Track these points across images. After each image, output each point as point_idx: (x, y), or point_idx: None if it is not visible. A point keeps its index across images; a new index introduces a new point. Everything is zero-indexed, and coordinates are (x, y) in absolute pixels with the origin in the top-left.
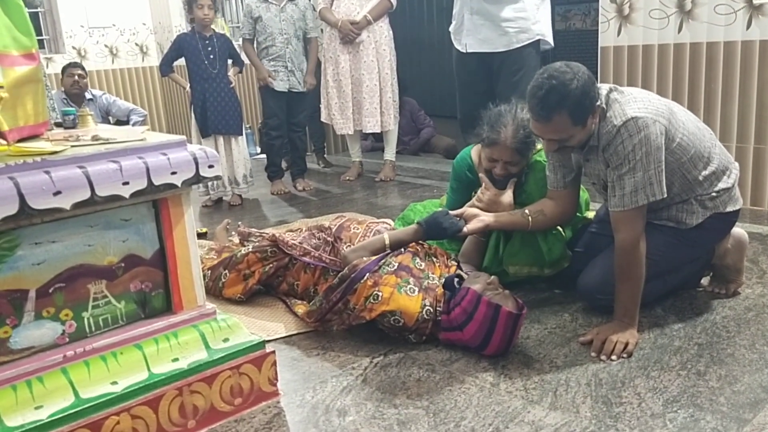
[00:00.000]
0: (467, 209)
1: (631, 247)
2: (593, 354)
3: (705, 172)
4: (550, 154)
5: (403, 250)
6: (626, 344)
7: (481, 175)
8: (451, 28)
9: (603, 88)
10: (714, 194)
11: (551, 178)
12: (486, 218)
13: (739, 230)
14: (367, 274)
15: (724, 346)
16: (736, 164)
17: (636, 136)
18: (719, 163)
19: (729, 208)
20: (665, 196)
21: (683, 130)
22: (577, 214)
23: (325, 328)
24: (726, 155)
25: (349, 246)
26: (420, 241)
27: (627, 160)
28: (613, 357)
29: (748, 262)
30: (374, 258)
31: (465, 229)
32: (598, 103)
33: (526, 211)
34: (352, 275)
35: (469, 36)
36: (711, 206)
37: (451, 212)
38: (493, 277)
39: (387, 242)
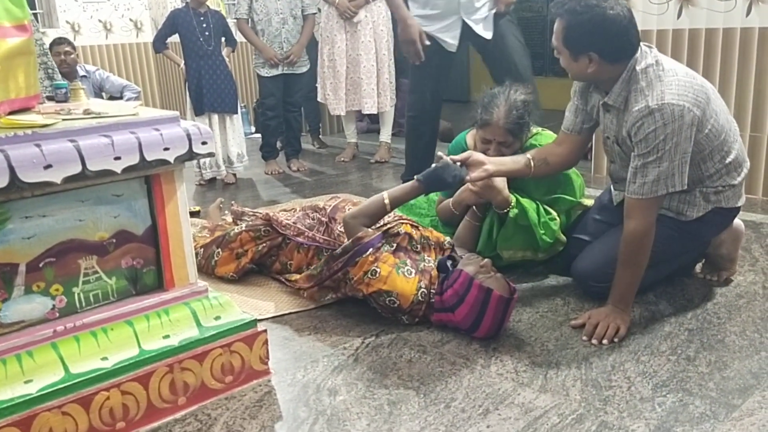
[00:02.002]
0: (473, 154)
1: (642, 236)
2: (584, 338)
3: (718, 165)
4: (575, 94)
5: (400, 231)
6: (618, 329)
7: None
8: (432, 29)
9: (649, 56)
10: (720, 188)
11: (569, 119)
12: (490, 167)
13: (736, 220)
14: (371, 249)
15: (715, 332)
16: (748, 162)
17: (670, 125)
18: (735, 158)
19: (731, 204)
20: (685, 187)
21: (714, 121)
22: (572, 199)
23: (319, 299)
24: (743, 152)
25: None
26: (414, 224)
27: (656, 149)
28: (604, 341)
29: (741, 249)
30: (377, 234)
31: (468, 178)
32: (594, 55)
33: (529, 156)
34: (356, 248)
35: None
36: (714, 200)
37: (454, 157)
38: (486, 260)
39: (387, 201)
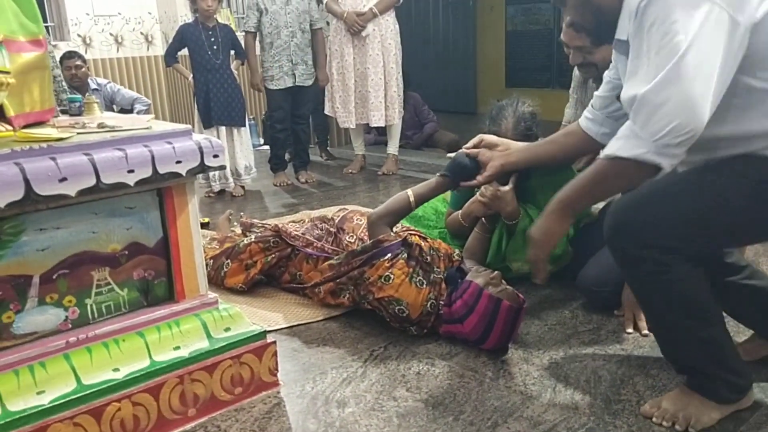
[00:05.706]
0: (485, 136)
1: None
2: (629, 331)
3: None
4: (573, 90)
5: (412, 242)
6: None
7: None
8: None
9: None
10: None
11: (569, 113)
12: (497, 161)
13: None
14: (389, 255)
15: None
16: None
17: None
18: None
19: None
20: None
21: None
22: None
23: (334, 300)
24: None
25: (352, 236)
26: (423, 236)
27: None
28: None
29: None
30: (398, 241)
31: (479, 178)
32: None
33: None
34: (375, 250)
35: None
36: None
37: (469, 151)
38: (495, 272)
39: (412, 198)
